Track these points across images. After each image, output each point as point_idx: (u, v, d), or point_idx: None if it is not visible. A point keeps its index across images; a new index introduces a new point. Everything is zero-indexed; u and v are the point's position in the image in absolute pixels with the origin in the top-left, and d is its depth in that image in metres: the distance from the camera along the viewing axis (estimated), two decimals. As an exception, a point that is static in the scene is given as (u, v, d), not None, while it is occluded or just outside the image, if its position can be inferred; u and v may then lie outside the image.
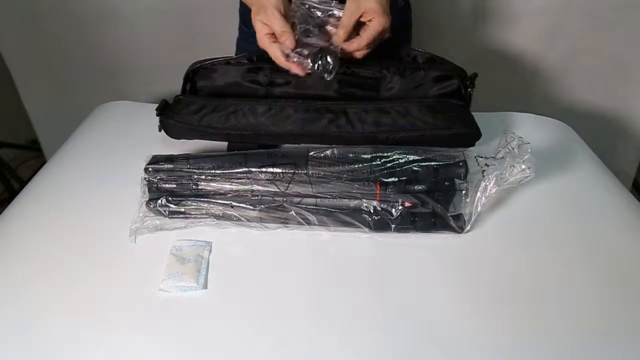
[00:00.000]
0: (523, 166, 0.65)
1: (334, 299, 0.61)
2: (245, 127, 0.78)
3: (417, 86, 0.84)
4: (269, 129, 0.78)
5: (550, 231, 0.71)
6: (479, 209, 0.68)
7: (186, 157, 0.72)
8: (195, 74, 0.85)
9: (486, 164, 0.69)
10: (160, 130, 0.82)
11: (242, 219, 0.69)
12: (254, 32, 0.78)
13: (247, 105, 0.79)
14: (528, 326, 0.58)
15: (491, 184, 0.66)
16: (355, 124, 0.77)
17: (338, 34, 0.78)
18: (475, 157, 0.69)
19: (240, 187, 0.70)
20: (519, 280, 0.64)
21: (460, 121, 0.78)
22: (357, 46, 0.77)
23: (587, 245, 0.69)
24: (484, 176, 0.68)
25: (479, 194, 0.67)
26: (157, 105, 0.82)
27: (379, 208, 0.68)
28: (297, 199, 0.70)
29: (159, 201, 0.70)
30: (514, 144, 0.65)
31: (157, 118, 0.82)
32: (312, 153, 0.69)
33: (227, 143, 0.82)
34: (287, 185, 0.69)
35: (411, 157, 0.67)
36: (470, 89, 0.83)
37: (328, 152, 0.69)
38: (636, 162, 1.64)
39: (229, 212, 0.70)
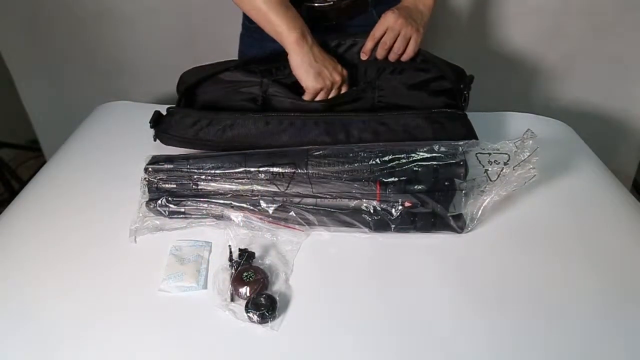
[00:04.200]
0: (529, 166, 0.65)
1: (334, 299, 0.61)
2: (241, 141, 0.76)
3: (413, 86, 0.84)
4: (265, 143, 0.76)
5: (550, 231, 0.71)
6: (486, 212, 0.68)
7: (186, 157, 0.72)
8: (194, 86, 0.85)
9: (488, 161, 0.68)
10: (155, 140, 0.81)
11: (242, 219, 0.69)
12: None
13: (243, 119, 0.77)
14: (528, 325, 0.58)
15: (499, 192, 0.67)
16: (353, 137, 0.75)
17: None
18: (476, 154, 0.69)
19: (240, 187, 0.70)
20: (518, 280, 0.64)
21: (459, 133, 0.75)
22: (382, 53, 0.86)
23: (587, 244, 0.69)
24: (488, 176, 0.67)
25: (486, 200, 0.67)
26: (157, 105, 0.82)
27: (379, 208, 0.68)
28: (297, 199, 0.70)
29: (159, 201, 0.70)
30: (527, 135, 0.66)
31: (156, 120, 0.81)
32: (312, 152, 0.69)
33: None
34: (287, 185, 0.69)
35: (411, 157, 0.67)
36: (465, 92, 0.83)
37: (327, 151, 0.69)
38: (636, 162, 1.64)
39: (228, 212, 0.70)
